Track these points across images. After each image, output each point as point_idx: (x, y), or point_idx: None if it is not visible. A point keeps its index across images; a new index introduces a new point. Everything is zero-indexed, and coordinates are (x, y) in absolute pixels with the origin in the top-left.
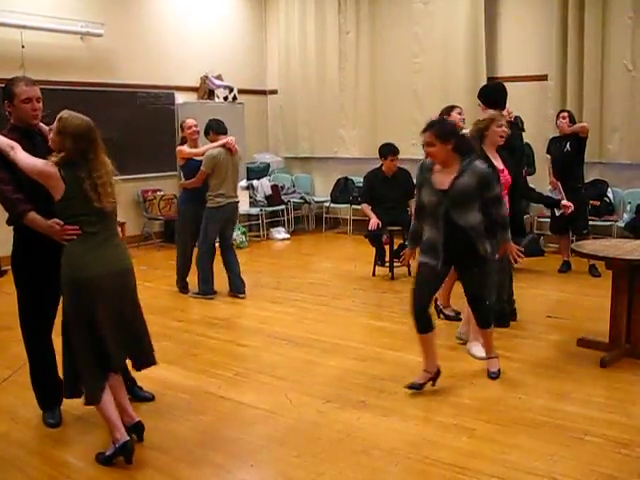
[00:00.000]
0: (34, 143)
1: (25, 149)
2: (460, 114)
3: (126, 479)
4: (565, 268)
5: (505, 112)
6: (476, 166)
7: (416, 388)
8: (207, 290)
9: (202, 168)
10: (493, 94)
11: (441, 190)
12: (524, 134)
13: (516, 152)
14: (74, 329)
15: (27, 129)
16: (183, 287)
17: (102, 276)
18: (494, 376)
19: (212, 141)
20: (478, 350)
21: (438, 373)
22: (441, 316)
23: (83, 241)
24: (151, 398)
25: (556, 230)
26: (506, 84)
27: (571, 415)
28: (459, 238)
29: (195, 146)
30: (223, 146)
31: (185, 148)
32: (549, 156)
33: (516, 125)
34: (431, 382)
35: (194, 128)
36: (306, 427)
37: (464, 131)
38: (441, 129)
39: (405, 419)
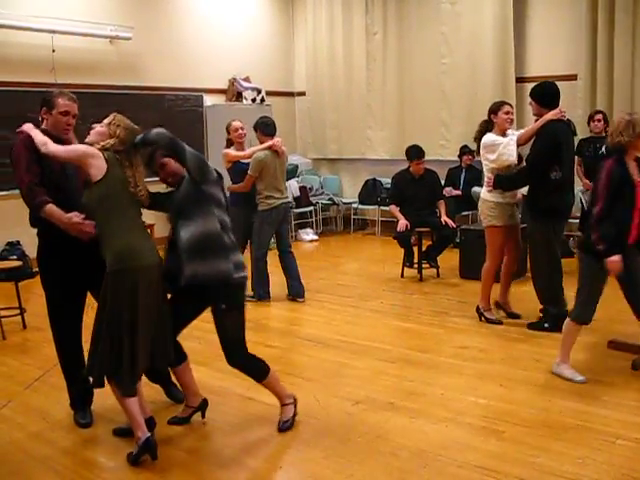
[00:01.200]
0: None
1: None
2: (507, 113)
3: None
4: None
5: (558, 111)
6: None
7: (180, 422)
8: (262, 294)
9: (249, 172)
10: (547, 95)
11: None
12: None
13: (570, 151)
14: (119, 318)
15: (57, 137)
16: None
17: (150, 266)
18: (286, 426)
19: (260, 141)
20: (569, 372)
21: (204, 404)
22: (500, 312)
23: (128, 230)
24: (182, 399)
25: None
26: (535, 84)
27: (602, 418)
28: None
29: (241, 149)
30: (269, 148)
31: (231, 151)
32: (577, 157)
33: (568, 126)
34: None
35: (240, 131)
36: (335, 429)
37: (512, 132)
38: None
39: (434, 421)
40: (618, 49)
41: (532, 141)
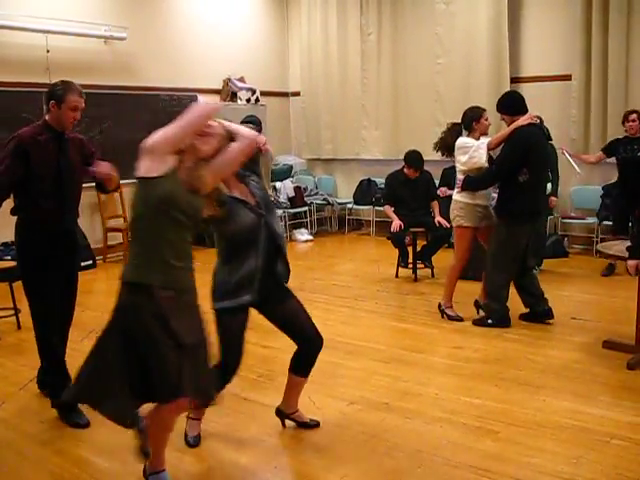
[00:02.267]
0: (62, 147)
1: (53, 151)
2: (487, 119)
3: None
4: (609, 271)
5: (529, 116)
6: None
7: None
8: None
9: None
10: (515, 103)
11: None
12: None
13: (541, 154)
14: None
15: (60, 132)
16: None
17: None
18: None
19: None
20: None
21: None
22: (481, 311)
23: None
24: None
25: (619, 232)
26: (529, 84)
27: (597, 418)
28: None
29: None
30: None
31: None
32: (605, 155)
33: (541, 129)
34: None
35: None
36: (329, 429)
37: (484, 137)
38: None
39: (429, 421)
40: (612, 49)
41: (503, 145)
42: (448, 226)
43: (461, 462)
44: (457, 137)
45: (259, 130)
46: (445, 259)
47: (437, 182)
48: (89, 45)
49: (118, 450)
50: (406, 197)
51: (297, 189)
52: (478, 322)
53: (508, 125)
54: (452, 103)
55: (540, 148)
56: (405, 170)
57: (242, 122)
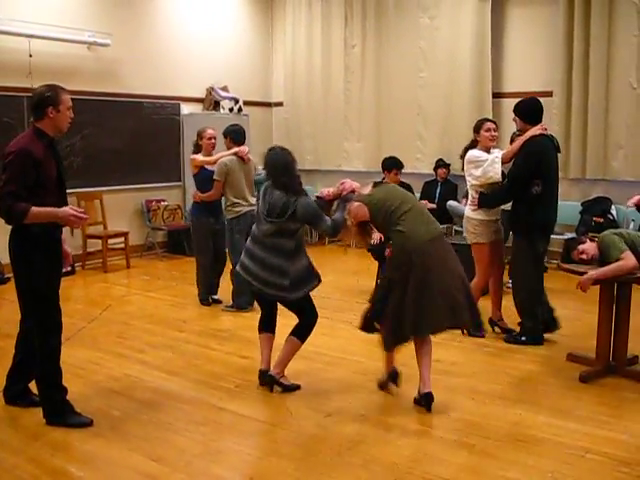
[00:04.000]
0: (55, 151)
1: (50, 159)
2: (488, 131)
3: None
4: None
5: (540, 127)
6: None
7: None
8: (241, 304)
9: (215, 177)
10: (534, 113)
11: None
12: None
13: (552, 165)
14: None
15: (52, 139)
16: (204, 299)
17: None
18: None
19: (228, 147)
20: None
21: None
22: (495, 329)
23: None
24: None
25: None
26: (511, 100)
27: (572, 432)
28: None
29: (209, 155)
30: (235, 154)
31: (198, 156)
32: None
33: (551, 141)
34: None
35: (213, 140)
36: (306, 440)
37: (497, 150)
38: None
39: (405, 434)
40: (593, 66)
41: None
42: None
43: (437, 475)
44: (467, 150)
45: (242, 139)
46: None
47: (418, 195)
48: (72, 51)
49: (92, 459)
50: None
51: None
52: (511, 339)
53: (518, 128)
54: (434, 117)
55: (551, 159)
56: (386, 179)
57: (226, 130)
